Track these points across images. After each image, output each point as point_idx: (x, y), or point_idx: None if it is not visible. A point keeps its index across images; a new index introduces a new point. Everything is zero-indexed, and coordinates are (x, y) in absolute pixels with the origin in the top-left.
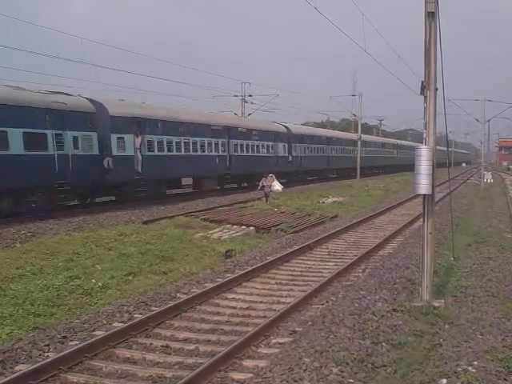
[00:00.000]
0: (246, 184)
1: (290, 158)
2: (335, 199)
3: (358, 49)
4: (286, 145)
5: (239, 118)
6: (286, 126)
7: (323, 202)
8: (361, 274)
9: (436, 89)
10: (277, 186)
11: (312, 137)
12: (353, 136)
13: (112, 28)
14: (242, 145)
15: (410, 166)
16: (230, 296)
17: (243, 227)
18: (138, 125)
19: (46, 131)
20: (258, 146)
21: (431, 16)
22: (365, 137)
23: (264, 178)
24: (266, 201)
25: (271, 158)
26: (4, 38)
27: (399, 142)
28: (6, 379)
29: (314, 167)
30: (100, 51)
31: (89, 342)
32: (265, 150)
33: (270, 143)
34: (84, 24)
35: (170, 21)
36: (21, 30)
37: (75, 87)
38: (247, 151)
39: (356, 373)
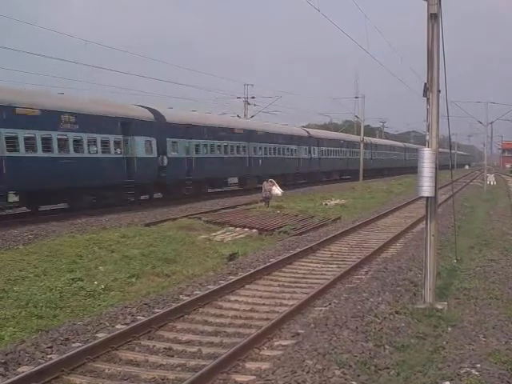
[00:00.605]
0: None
1: (165, 162)
2: (338, 201)
3: (359, 49)
4: (155, 140)
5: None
6: (154, 110)
7: (326, 204)
8: (364, 277)
9: (439, 91)
10: (276, 190)
11: (201, 128)
12: (292, 131)
13: (112, 28)
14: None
15: (391, 171)
16: (233, 298)
17: (246, 229)
18: None
19: None
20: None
21: (434, 18)
22: (320, 133)
23: (265, 183)
24: (267, 205)
25: (99, 161)
26: (3, 39)
27: (375, 140)
28: (8, 381)
29: (209, 175)
30: (101, 52)
31: (91, 343)
32: (70, 149)
33: (101, 136)
34: (84, 25)
35: (170, 21)
36: (20, 31)
37: (76, 89)
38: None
39: (359, 375)
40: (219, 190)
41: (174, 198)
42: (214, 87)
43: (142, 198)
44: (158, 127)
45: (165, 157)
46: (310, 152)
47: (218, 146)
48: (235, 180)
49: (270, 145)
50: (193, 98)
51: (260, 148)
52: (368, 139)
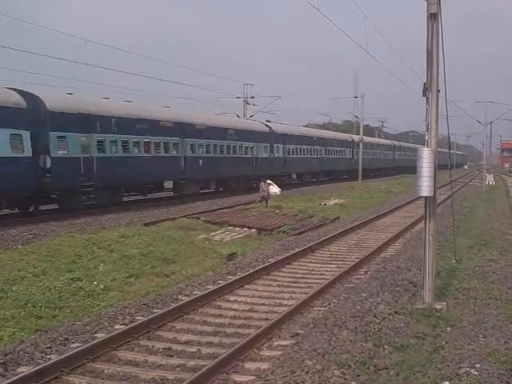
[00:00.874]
0: None
1: (48, 163)
2: (337, 201)
3: (359, 49)
4: (27, 134)
5: None
6: (27, 94)
7: (325, 204)
8: (363, 277)
9: (438, 90)
10: (274, 189)
11: (107, 119)
12: (246, 125)
13: (112, 28)
14: None
15: (376, 172)
16: (232, 298)
17: (245, 229)
18: None
19: None
20: None
21: (433, 17)
22: (286, 128)
23: (262, 183)
24: (266, 205)
25: None
26: (3, 39)
27: (356, 137)
28: (8, 381)
29: (123, 180)
30: (102, 52)
31: (91, 344)
32: None
33: None
34: (84, 24)
35: (170, 21)
36: (20, 31)
37: (79, 88)
38: None
39: (358, 375)
40: (147, 197)
41: (69, 210)
42: (215, 87)
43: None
44: (35, 117)
45: (47, 156)
46: (271, 150)
47: (136, 142)
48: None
49: (215, 142)
50: (195, 98)
51: (200, 145)
52: (350, 136)
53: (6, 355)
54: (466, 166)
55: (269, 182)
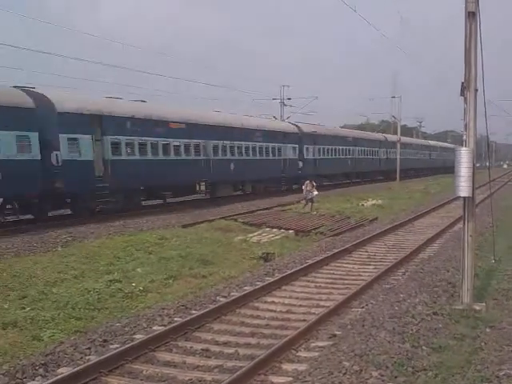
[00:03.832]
0: None
1: None
2: (375, 202)
3: (397, 49)
4: None
5: None
6: None
7: (363, 205)
8: (401, 277)
9: (476, 90)
10: (315, 191)
11: None
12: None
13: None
14: None
15: (346, 178)
16: (270, 299)
17: (282, 230)
18: None
19: None
20: None
21: (472, 16)
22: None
23: (308, 182)
24: (306, 206)
25: None
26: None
27: (320, 129)
28: (48, 382)
29: None
30: (132, 54)
31: (129, 345)
32: None
33: None
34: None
35: (206, 20)
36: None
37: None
38: None
39: (396, 377)
40: None
41: None
42: (253, 89)
43: None
44: None
45: None
46: (103, 147)
47: None
48: None
49: None
50: (230, 99)
51: None
52: (295, 126)
53: (46, 356)
54: (505, 165)
55: (314, 182)
